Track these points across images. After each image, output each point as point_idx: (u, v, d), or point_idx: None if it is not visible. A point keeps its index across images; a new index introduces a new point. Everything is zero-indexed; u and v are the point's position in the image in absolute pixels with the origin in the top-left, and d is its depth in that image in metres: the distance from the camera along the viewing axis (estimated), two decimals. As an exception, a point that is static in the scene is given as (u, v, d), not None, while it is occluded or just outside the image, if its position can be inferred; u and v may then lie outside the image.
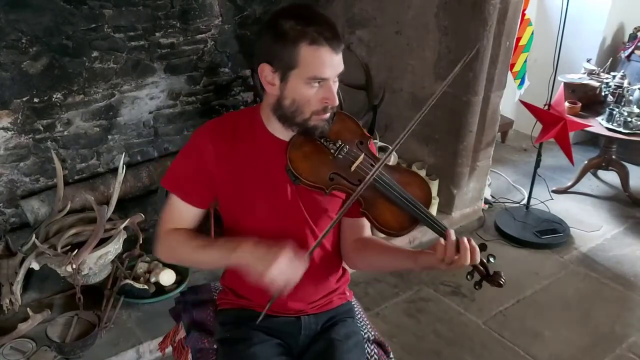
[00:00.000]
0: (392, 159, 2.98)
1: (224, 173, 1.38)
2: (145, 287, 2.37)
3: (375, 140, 2.99)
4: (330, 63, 1.25)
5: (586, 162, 3.81)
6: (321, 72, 1.25)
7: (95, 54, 2.64)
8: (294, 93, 1.28)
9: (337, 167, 1.34)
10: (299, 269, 1.25)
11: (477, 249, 1.25)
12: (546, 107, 3.24)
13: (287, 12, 1.27)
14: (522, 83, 3.58)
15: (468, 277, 1.29)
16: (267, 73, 1.29)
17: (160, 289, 2.41)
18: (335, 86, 1.30)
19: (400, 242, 1.42)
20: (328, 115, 1.31)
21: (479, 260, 1.26)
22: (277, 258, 1.21)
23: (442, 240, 1.26)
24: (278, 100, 1.30)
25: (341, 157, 1.35)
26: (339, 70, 1.29)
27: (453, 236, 1.25)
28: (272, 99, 1.32)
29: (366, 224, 1.47)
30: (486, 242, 3.10)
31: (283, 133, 1.36)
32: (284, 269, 1.21)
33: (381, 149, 2.92)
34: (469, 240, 1.24)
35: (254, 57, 1.36)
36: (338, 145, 1.35)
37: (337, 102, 1.30)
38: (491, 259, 1.28)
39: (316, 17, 1.26)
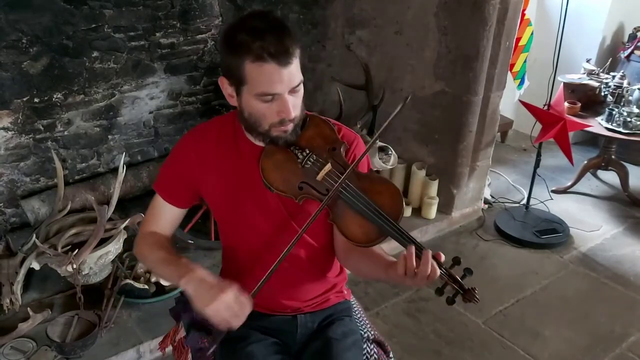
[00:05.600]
0: (392, 160, 2.98)
1: (209, 178, 1.39)
2: (146, 287, 2.37)
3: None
4: (279, 79, 1.20)
5: (586, 162, 3.81)
6: (269, 88, 1.21)
7: (95, 54, 2.64)
8: (248, 107, 1.26)
9: (305, 176, 1.31)
10: (244, 307, 1.20)
11: (435, 264, 1.18)
12: (546, 107, 3.25)
13: (241, 23, 1.22)
14: (522, 83, 3.58)
15: (437, 293, 1.21)
16: (225, 86, 1.29)
17: (160, 289, 2.41)
18: (294, 97, 1.25)
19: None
20: (289, 126, 1.28)
21: (437, 274, 1.18)
22: (221, 294, 1.19)
23: (405, 251, 1.20)
24: (240, 112, 1.31)
25: (308, 166, 1.32)
26: (293, 83, 1.22)
27: (413, 248, 1.19)
28: (238, 110, 1.32)
29: None
30: (486, 241, 3.18)
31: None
32: (230, 304, 1.19)
33: (381, 149, 2.92)
34: (436, 255, 1.19)
35: None
36: (305, 154, 1.33)
37: (292, 115, 1.25)
38: (467, 274, 1.21)
39: (266, 29, 1.19)
